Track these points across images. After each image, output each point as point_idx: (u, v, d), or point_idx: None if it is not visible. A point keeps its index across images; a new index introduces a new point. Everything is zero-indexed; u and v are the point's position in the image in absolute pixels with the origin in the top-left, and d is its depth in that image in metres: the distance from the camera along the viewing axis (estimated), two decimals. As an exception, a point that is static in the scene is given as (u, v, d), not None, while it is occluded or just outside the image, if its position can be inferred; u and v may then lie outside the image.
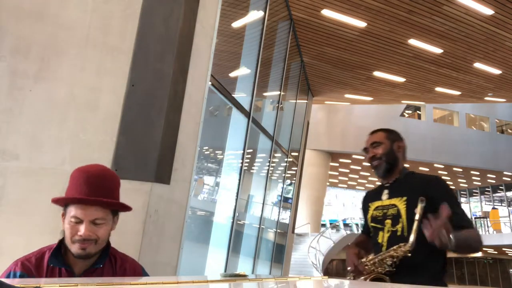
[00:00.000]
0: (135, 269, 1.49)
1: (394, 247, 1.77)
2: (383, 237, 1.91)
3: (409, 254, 1.73)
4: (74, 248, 1.35)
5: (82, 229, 1.34)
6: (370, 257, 1.87)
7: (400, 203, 1.89)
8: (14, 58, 2.24)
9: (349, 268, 1.92)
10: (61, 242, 1.41)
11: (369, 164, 2.04)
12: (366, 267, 1.85)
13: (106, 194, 1.39)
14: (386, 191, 2.00)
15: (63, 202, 1.39)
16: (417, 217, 1.73)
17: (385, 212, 1.94)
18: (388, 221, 1.91)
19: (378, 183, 2.13)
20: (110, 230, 1.43)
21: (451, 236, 1.59)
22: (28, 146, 2.18)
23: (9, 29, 2.27)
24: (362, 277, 1.85)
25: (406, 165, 2.06)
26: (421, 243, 1.70)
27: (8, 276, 1.33)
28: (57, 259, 1.38)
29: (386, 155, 1.98)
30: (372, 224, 2.00)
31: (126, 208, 1.46)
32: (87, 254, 1.36)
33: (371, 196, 2.11)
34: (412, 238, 1.72)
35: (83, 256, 1.36)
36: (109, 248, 1.46)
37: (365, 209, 2.10)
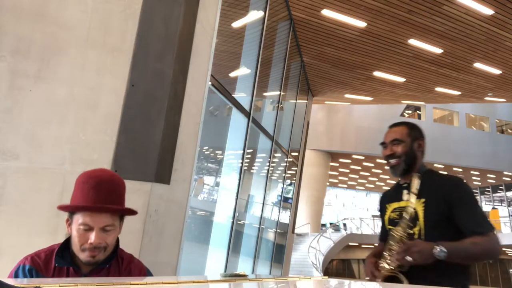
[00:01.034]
0: (140, 270, 1.49)
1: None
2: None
3: (416, 237, 1.71)
4: (83, 256, 1.35)
5: (92, 237, 1.33)
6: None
7: (418, 205, 1.80)
8: (14, 58, 2.24)
9: (367, 278, 1.86)
10: (67, 241, 1.40)
11: (385, 161, 1.94)
12: (382, 268, 1.77)
13: (115, 201, 1.38)
14: (405, 191, 1.89)
15: (71, 210, 1.37)
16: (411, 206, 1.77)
17: (402, 214, 1.85)
18: None
19: (392, 182, 2.05)
20: (117, 235, 1.43)
21: (438, 248, 1.59)
22: (28, 146, 2.18)
23: (9, 29, 2.27)
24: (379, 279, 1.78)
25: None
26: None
27: (17, 270, 1.35)
28: (63, 259, 1.38)
29: (406, 154, 1.88)
30: (390, 227, 1.91)
31: (133, 213, 1.46)
32: (96, 262, 1.36)
33: (388, 197, 2.01)
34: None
35: (92, 264, 1.36)
36: (117, 249, 1.46)
37: (382, 210, 2.01)
